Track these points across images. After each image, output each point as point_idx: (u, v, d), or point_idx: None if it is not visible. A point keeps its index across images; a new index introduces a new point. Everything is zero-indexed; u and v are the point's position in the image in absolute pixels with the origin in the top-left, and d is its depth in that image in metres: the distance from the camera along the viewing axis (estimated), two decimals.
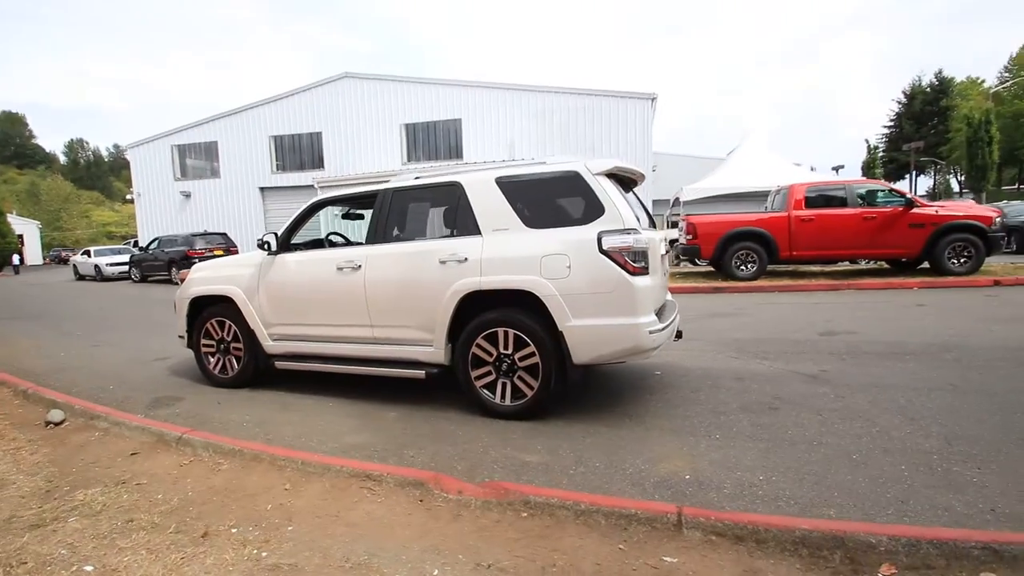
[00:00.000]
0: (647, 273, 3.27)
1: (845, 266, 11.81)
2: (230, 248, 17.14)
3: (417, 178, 3.99)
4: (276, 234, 4.22)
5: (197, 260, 16.15)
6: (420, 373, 3.71)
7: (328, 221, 18.21)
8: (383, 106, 21.26)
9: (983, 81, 54.05)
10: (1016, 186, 45.73)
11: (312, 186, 18.26)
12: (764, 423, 3.29)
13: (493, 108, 19.80)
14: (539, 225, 3.44)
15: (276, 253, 4.26)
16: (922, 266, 10.07)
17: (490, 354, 3.51)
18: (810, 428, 3.18)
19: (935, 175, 53.25)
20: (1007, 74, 48.91)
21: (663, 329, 3.35)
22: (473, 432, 3.31)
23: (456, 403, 3.87)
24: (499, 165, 3.76)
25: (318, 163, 22.62)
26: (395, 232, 4.01)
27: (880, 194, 9.72)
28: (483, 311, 3.50)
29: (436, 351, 3.67)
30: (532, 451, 2.99)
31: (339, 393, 4.24)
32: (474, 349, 3.54)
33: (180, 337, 4.83)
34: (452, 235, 3.69)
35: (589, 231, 3.29)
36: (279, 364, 4.26)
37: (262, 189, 23.42)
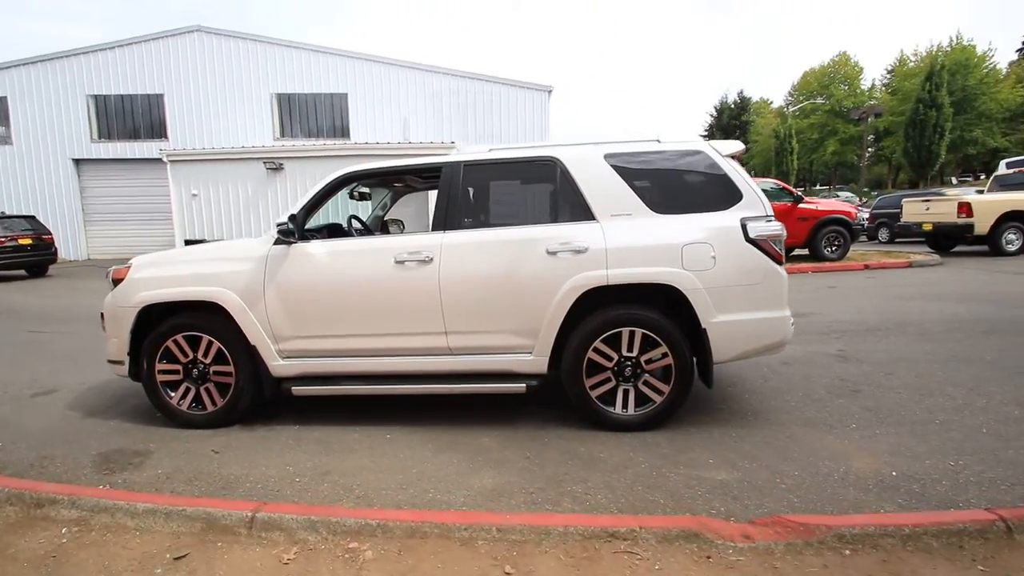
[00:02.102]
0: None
1: None
2: (42, 235, 13.23)
3: (492, 150, 3.26)
4: (294, 215, 3.13)
5: None
6: (520, 386, 3.06)
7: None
8: (249, 71, 18.17)
9: (771, 102, 66.35)
10: (828, 187, 56.10)
11: (159, 160, 14.95)
12: (870, 406, 3.35)
13: (384, 85, 18.19)
14: (668, 210, 3.03)
15: (294, 243, 3.16)
16: (794, 253, 11.72)
17: (609, 359, 3.02)
18: (912, 407, 3.32)
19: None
20: (790, 96, 60.13)
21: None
22: (614, 451, 2.80)
23: (548, 417, 3.30)
24: (598, 141, 3.23)
25: (159, 132, 18.55)
26: (473, 217, 3.24)
27: (774, 191, 11.05)
28: (596, 310, 2.99)
29: (537, 359, 3.05)
30: (707, 466, 2.61)
31: (378, 420, 3.34)
32: (590, 354, 3.01)
33: (115, 363, 3.38)
34: (556, 221, 3.08)
35: (730, 218, 2.98)
36: (298, 390, 3.19)
37: (77, 161, 18.46)
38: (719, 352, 2.96)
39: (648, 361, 3.01)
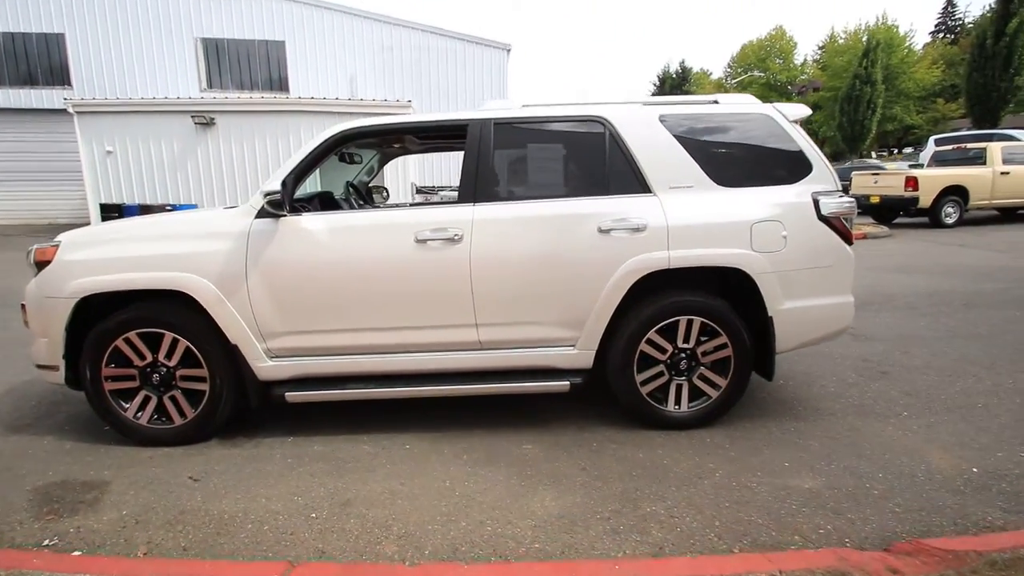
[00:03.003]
0: None
1: None
2: None
3: (525, 107, 2.74)
4: (285, 181, 2.48)
5: None
6: (562, 385, 2.66)
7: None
8: (168, 11, 15.86)
9: (711, 73, 67.86)
10: None
11: (65, 111, 12.92)
12: (907, 390, 3.23)
13: (328, 34, 16.52)
14: (732, 183, 2.66)
15: (284, 215, 2.53)
16: None
17: (663, 351, 2.67)
18: (947, 390, 3.23)
19: None
20: (729, 68, 61.55)
21: None
22: (678, 456, 2.49)
23: (587, 415, 2.94)
24: (649, 100, 2.79)
25: (61, 78, 16.00)
26: (508, 187, 2.73)
27: None
28: (648, 296, 2.62)
29: (582, 352, 2.66)
30: (786, 471, 2.35)
31: (389, 426, 2.86)
32: (643, 346, 2.65)
33: (45, 369, 2.66)
34: (607, 193, 2.63)
35: (801, 192, 2.66)
36: (293, 396, 2.62)
37: None
38: (782, 341, 2.68)
39: (705, 353, 2.69)
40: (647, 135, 2.65)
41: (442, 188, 16.20)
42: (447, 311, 2.58)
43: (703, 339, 2.68)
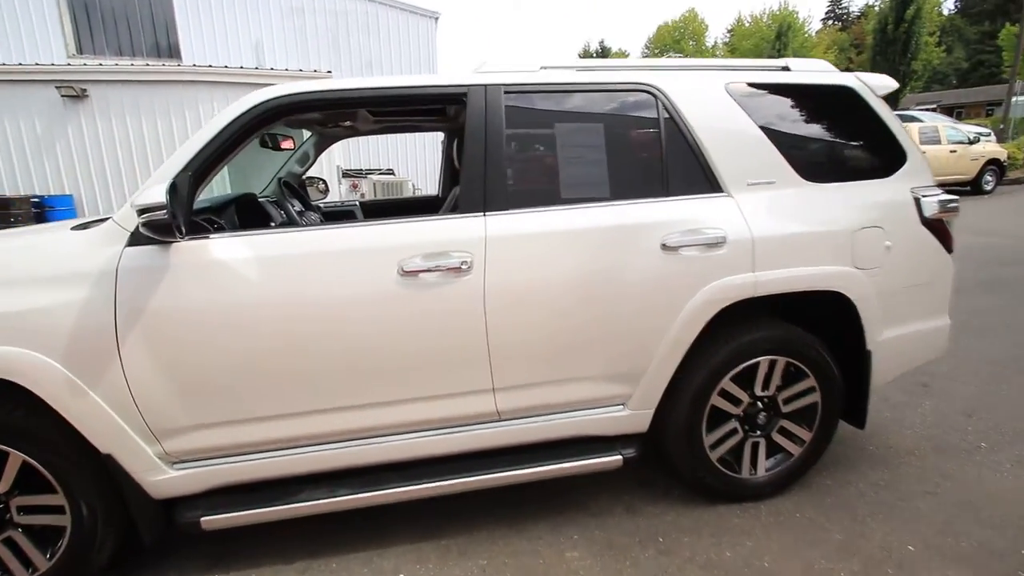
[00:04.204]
0: None
1: None
2: None
3: (545, 69, 1.91)
4: (174, 187, 1.49)
5: None
6: (613, 459, 1.92)
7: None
8: None
9: (629, 54, 68.99)
10: None
11: None
12: (967, 410, 2.83)
13: None
14: (820, 176, 2.01)
15: (176, 241, 1.54)
16: None
17: (737, 402, 2.02)
18: (1005, 404, 2.88)
19: None
20: (646, 49, 62.86)
21: None
22: (774, 548, 1.85)
23: (626, 485, 2.24)
24: (711, 64, 2.06)
25: None
26: (529, 187, 1.88)
27: None
28: (723, 331, 1.94)
29: (636, 414, 1.94)
30: (920, 561, 1.79)
31: (358, 532, 2.00)
32: (714, 399, 1.98)
33: None
34: (666, 192, 1.88)
35: (897, 189, 2.06)
36: (211, 522, 1.66)
37: None
38: (877, 376, 2.11)
39: (787, 400, 2.07)
40: (714, 112, 1.93)
41: (371, 171, 14.82)
42: (452, 374, 1.75)
43: (788, 383, 2.05)
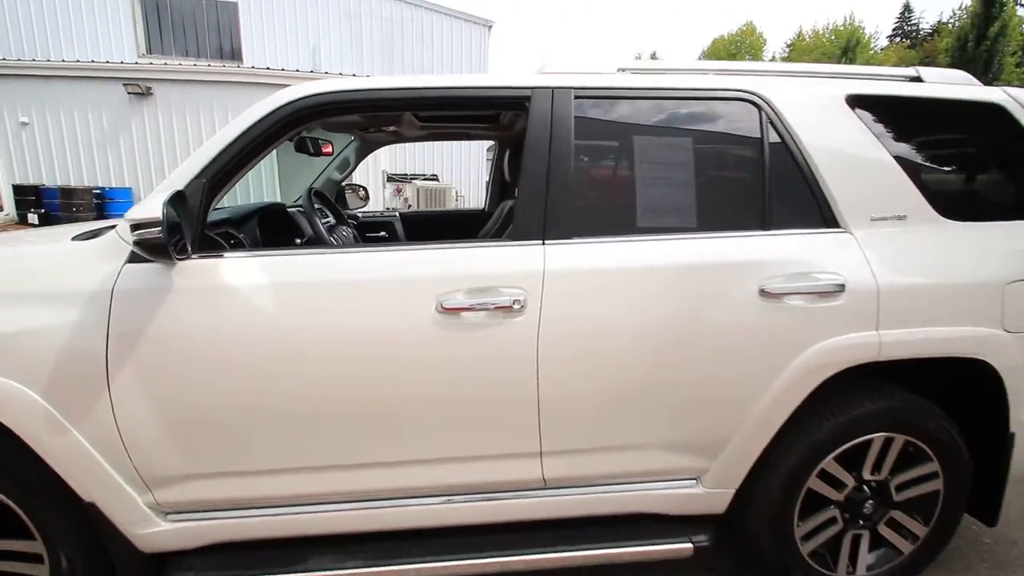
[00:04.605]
0: None
1: None
2: None
3: (624, 71, 1.60)
4: (181, 193, 1.26)
5: None
6: (682, 547, 1.57)
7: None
8: None
9: None
10: None
11: None
12: None
13: None
14: (961, 212, 1.61)
15: (182, 260, 1.31)
16: None
17: (840, 485, 1.63)
18: None
19: None
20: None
21: None
22: None
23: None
24: (821, 70, 1.71)
25: None
26: (600, 214, 1.57)
27: None
28: (827, 400, 1.56)
29: (713, 492, 1.59)
30: None
31: None
32: (811, 481, 1.60)
33: None
34: (767, 225, 1.53)
35: None
36: None
37: None
38: (1018, 467, 1.68)
39: (901, 486, 1.66)
40: (831, 128, 1.57)
41: (415, 176, 14.84)
42: (492, 433, 1.45)
43: (901, 466, 1.65)
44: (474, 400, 1.41)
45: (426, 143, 16.17)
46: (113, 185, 11.49)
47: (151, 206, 1.14)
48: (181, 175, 1.34)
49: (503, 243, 1.45)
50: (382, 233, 2.90)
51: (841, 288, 1.47)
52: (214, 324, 1.32)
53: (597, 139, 1.55)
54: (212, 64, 13.51)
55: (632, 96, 1.54)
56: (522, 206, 1.45)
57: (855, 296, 1.47)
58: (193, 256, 1.33)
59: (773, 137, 1.56)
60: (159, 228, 1.13)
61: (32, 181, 11.52)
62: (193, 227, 1.32)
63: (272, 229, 1.99)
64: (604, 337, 1.42)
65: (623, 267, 1.44)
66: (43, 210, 11.01)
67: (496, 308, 1.37)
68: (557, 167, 1.45)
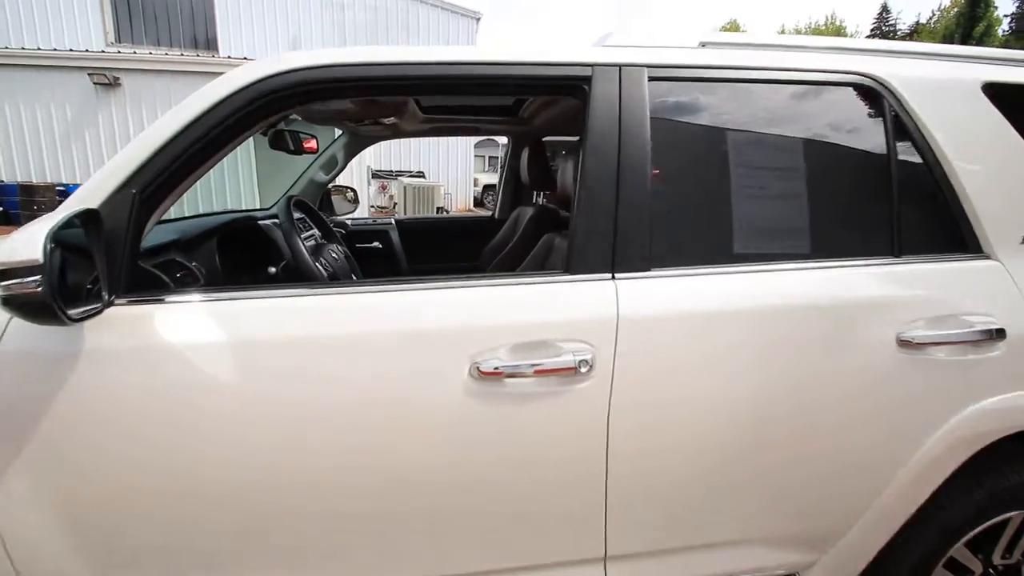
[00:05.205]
0: None
1: None
2: None
3: (707, 45, 1.22)
4: (92, 213, 0.85)
5: None
6: None
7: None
8: None
9: None
10: None
11: None
12: None
13: None
14: None
15: (94, 312, 0.88)
16: None
17: (966, 573, 1.29)
18: None
19: None
20: None
21: None
22: None
23: None
24: (953, 51, 1.35)
25: None
26: (677, 232, 1.18)
27: None
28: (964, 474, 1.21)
29: None
30: None
31: None
32: (937, 571, 1.25)
33: None
34: (896, 250, 1.16)
35: None
36: None
37: None
38: None
39: None
40: (970, 123, 1.21)
41: (401, 173, 14.34)
42: (543, 535, 1.07)
43: None
44: (518, 494, 1.03)
45: (411, 137, 15.69)
46: (78, 182, 10.78)
47: (26, 241, 0.73)
48: (97, 185, 0.92)
49: (557, 277, 1.06)
50: (375, 244, 2.49)
51: (998, 335, 1.11)
52: (144, 410, 0.91)
53: (678, 135, 1.16)
54: (185, 54, 12.83)
55: (724, 78, 1.15)
56: (583, 226, 1.06)
57: (1016, 345, 1.12)
58: (117, 302, 0.92)
59: (899, 134, 1.19)
60: (37, 278, 0.72)
61: None
62: (118, 260, 0.91)
63: (238, 250, 1.57)
64: (697, 407, 1.05)
65: (723, 310, 1.06)
66: (1, 208, 10.30)
67: (552, 371, 0.98)
68: (630, 172, 1.07)
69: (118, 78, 10.70)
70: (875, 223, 1.18)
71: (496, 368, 0.97)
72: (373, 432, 0.96)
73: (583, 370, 0.98)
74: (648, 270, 1.06)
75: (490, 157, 21.11)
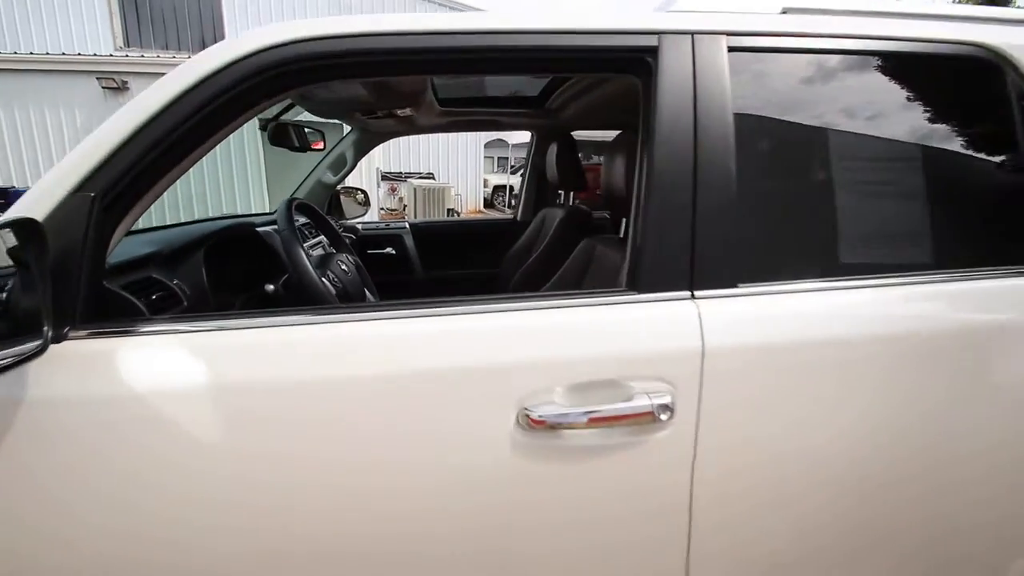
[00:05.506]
0: None
1: None
2: None
3: (789, 11, 1.00)
4: (34, 222, 0.67)
5: None
6: None
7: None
8: None
9: None
10: None
11: None
12: None
13: None
14: None
15: (37, 350, 0.68)
16: None
17: None
18: None
19: None
20: None
21: None
22: None
23: None
24: None
25: None
26: (768, 238, 0.96)
27: None
28: None
29: None
30: None
31: None
32: None
33: None
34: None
35: None
36: None
37: None
38: None
39: None
40: None
41: (410, 175, 14.17)
42: None
43: None
44: (578, 549, 0.82)
45: (419, 136, 15.47)
46: None
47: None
48: (44, 190, 0.73)
49: (620, 297, 0.85)
50: (388, 250, 2.29)
51: None
52: (98, 488, 0.71)
53: (766, 117, 0.94)
54: (193, 57, 12.76)
55: (819, 48, 0.94)
56: (651, 232, 0.85)
57: None
58: (72, 335, 0.72)
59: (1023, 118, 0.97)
60: None
61: (1, 183, 10.76)
62: (72, 282, 0.71)
63: (231, 263, 1.37)
64: (804, 463, 0.83)
65: (838, 337, 0.83)
66: None
67: (621, 417, 0.77)
68: (711, 162, 0.85)
69: (127, 82, 10.68)
70: (1003, 226, 0.95)
71: (547, 417, 0.76)
72: (399, 501, 0.76)
73: (663, 417, 0.76)
74: (735, 286, 0.85)
75: (499, 158, 20.87)
